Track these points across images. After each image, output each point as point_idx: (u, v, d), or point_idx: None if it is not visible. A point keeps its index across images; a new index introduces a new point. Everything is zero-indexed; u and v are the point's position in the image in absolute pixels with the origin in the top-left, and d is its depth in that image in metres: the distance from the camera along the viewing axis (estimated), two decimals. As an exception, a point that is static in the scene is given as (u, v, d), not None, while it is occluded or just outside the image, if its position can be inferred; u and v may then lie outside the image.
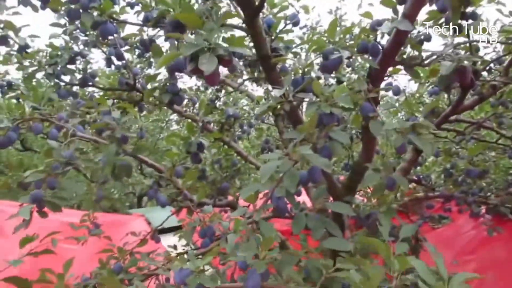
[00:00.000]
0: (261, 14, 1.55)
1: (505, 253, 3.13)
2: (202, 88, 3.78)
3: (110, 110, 1.63)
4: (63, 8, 1.94)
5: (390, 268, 1.01)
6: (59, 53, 2.35)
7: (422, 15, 1.51)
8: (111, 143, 1.48)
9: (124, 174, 1.47)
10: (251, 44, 1.65)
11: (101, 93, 2.73)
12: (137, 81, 2.45)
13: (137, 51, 2.85)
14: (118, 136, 1.48)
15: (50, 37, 2.36)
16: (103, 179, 1.63)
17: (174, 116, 7.86)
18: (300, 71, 1.38)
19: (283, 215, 1.20)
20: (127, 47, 2.51)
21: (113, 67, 2.56)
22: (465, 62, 1.48)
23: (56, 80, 2.33)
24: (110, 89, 2.61)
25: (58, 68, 2.29)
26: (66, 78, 2.41)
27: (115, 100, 2.67)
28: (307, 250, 1.24)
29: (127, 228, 3.08)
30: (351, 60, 1.86)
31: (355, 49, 1.43)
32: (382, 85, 1.80)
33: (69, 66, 2.34)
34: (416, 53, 1.49)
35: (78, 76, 2.43)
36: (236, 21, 1.73)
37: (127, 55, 2.62)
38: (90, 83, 2.50)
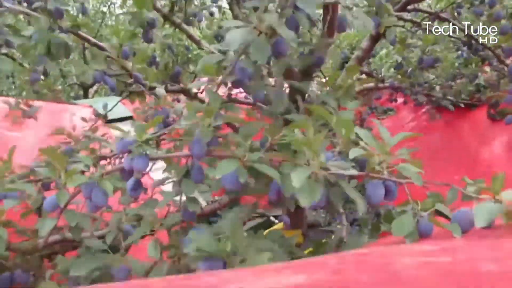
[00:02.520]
0: None
1: (440, 141, 3.41)
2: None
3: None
4: None
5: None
6: None
7: None
8: (43, 16, 1.29)
9: (62, 53, 1.32)
10: None
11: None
12: None
13: None
14: (51, 8, 1.29)
15: None
16: (38, 61, 1.45)
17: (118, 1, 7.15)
18: None
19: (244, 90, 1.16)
20: None
21: None
22: None
23: None
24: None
25: None
26: None
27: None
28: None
29: (74, 117, 2.96)
30: None
31: None
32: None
33: None
34: None
35: None
36: None
37: None
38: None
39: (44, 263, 1.42)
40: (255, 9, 1.17)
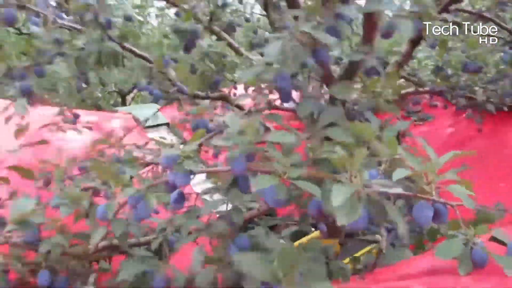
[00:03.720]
0: None
1: (482, 148, 3.25)
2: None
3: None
4: None
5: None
6: None
7: None
8: (94, 28, 1.36)
9: (112, 61, 1.38)
10: None
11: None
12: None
13: None
14: (102, 21, 1.36)
15: None
16: (88, 68, 1.51)
17: (154, 11, 7.34)
18: None
19: (286, 100, 1.16)
20: None
21: None
22: None
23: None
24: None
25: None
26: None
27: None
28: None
29: (115, 124, 3.06)
30: None
31: None
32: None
33: None
34: None
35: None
36: None
37: None
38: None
39: (91, 267, 1.48)
40: (296, 18, 1.17)
